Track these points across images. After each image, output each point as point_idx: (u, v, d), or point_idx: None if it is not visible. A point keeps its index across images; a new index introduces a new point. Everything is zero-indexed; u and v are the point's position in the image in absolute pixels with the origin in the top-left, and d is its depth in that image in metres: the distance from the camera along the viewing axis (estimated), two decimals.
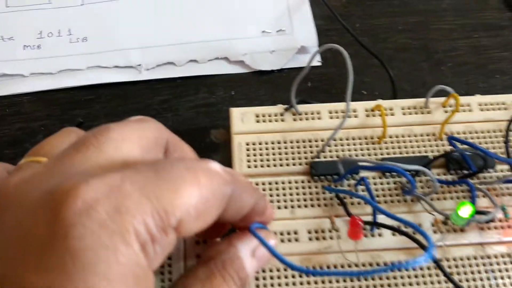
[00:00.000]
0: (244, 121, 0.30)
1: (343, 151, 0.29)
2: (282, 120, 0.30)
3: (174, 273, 0.25)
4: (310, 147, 0.29)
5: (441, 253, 0.26)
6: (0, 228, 0.16)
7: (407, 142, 0.30)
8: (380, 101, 0.31)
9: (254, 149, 0.29)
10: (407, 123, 0.30)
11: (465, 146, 0.28)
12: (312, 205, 0.28)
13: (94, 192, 0.16)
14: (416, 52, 0.37)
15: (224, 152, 0.30)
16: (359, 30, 0.38)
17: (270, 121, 0.30)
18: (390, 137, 0.30)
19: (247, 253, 0.22)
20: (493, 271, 0.26)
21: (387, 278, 0.26)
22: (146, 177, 0.17)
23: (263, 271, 0.26)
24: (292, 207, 0.28)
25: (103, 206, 0.15)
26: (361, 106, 0.31)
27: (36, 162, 0.20)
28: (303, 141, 0.30)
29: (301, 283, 0.25)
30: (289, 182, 0.28)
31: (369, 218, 0.26)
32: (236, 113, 0.30)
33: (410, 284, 0.26)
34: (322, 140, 0.30)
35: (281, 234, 0.27)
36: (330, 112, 0.31)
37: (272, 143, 0.29)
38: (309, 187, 0.28)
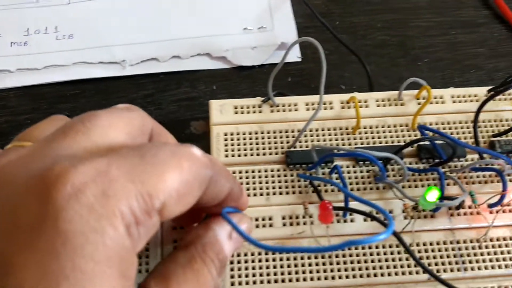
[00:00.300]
0: (222, 112, 0.31)
1: (318, 141, 0.30)
2: (260, 112, 0.31)
3: (151, 257, 0.26)
4: (287, 137, 0.30)
5: (411, 238, 0.27)
6: None
7: (380, 133, 0.31)
8: (355, 94, 0.32)
9: (232, 139, 0.30)
10: (381, 114, 0.31)
11: (436, 135, 0.29)
12: (287, 193, 0.28)
13: (82, 176, 0.16)
14: (394, 49, 0.38)
15: (203, 142, 0.31)
16: (339, 28, 0.39)
17: (248, 112, 0.31)
18: (364, 128, 0.31)
19: (225, 236, 0.22)
20: (462, 255, 0.27)
21: (358, 262, 0.26)
22: (132, 162, 0.17)
23: (238, 255, 0.26)
24: (268, 194, 0.28)
25: (91, 190, 0.16)
26: (336, 98, 0.32)
27: (22, 146, 0.21)
28: (280, 132, 0.30)
29: (275, 267, 0.26)
30: (265, 171, 0.29)
31: (342, 205, 0.27)
32: (215, 105, 0.31)
33: (381, 267, 0.26)
34: (298, 131, 0.30)
35: (256, 220, 0.28)
36: (307, 104, 0.31)
37: (250, 133, 0.30)
38: (285, 175, 0.29)
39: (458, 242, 0.27)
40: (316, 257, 0.26)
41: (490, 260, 0.27)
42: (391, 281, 0.26)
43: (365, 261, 0.26)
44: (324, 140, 0.30)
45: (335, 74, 0.37)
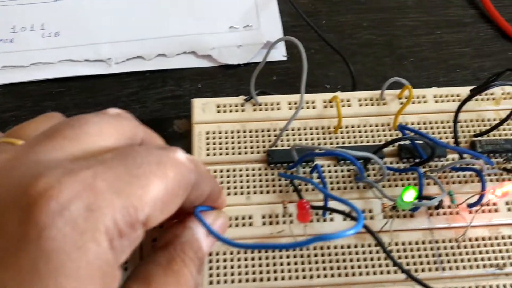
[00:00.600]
0: (205, 111, 0.31)
1: (300, 140, 0.30)
2: (242, 111, 0.31)
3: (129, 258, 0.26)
4: (269, 136, 0.30)
5: (390, 237, 0.27)
6: None
7: (362, 132, 0.31)
8: (337, 93, 0.32)
9: (214, 138, 0.30)
10: (363, 114, 0.31)
11: (416, 135, 0.29)
12: (268, 192, 0.29)
13: (67, 192, 0.16)
14: (380, 48, 0.38)
15: (185, 141, 0.31)
16: (325, 27, 0.39)
17: (230, 111, 0.31)
18: (346, 127, 0.31)
19: (203, 234, 0.22)
20: (440, 255, 0.27)
21: (337, 261, 0.27)
22: (117, 173, 0.17)
23: (217, 254, 0.26)
24: (248, 193, 0.28)
25: (75, 205, 0.16)
26: (319, 97, 0.32)
27: (12, 143, 0.21)
28: (262, 131, 0.30)
29: (253, 265, 0.26)
30: (247, 170, 0.29)
31: (322, 204, 0.27)
32: (197, 103, 0.31)
33: (359, 267, 0.26)
34: (280, 130, 0.30)
35: (236, 219, 0.28)
36: (289, 103, 0.31)
37: (232, 132, 0.30)
38: (266, 174, 0.29)
39: (437, 242, 0.27)
40: (294, 256, 0.27)
41: (469, 260, 0.27)
42: (369, 280, 0.26)
43: (343, 260, 0.27)
44: (306, 139, 0.30)
45: (320, 73, 0.37)
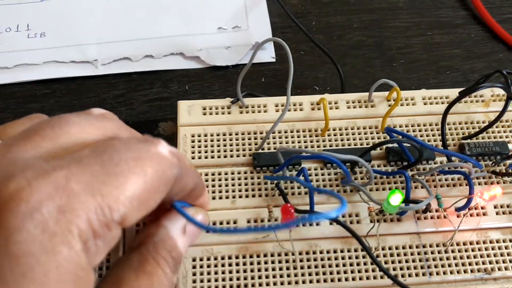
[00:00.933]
0: (191, 113, 0.31)
1: (287, 143, 0.30)
2: (229, 113, 0.31)
3: (112, 258, 0.26)
4: (255, 139, 0.30)
5: (376, 241, 0.27)
6: None
7: (349, 135, 0.30)
8: (325, 95, 0.32)
9: (199, 141, 0.30)
10: (351, 116, 0.31)
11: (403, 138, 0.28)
12: (253, 195, 0.28)
13: (39, 194, 0.15)
14: (370, 49, 0.38)
15: (170, 144, 0.30)
16: (315, 28, 0.39)
17: (216, 113, 0.31)
18: (334, 129, 0.30)
19: (178, 232, 0.21)
20: (427, 260, 0.26)
21: (323, 266, 0.26)
22: (92, 172, 0.16)
23: (201, 259, 0.26)
24: (234, 197, 0.28)
25: (46, 207, 0.15)
26: (306, 99, 0.31)
27: None
28: (248, 133, 0.30)
29: (238, 271, 0.26)
30: (232, 173, 0.29)
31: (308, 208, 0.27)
32: (183, 105, 0.31)
33: (345, 272, 0.26)
34: (267, 132, 0.30)
35: (221, 223, 0.27)
36: (276, 105, 0.31)
37: (218, 135, 0.30)
38: (252, 178, 0.29)
39: (424, 246, 0.27)
40: (280, 262, 0.26)
41: (456, 265, 0.26)
42: (356, 285, 0.26)
43: (330, 266, 0.26)
44: (293, 142, 0.30)
45: (309, 74, 0.37)
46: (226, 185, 0.28)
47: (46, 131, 0.18)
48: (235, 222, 0.27)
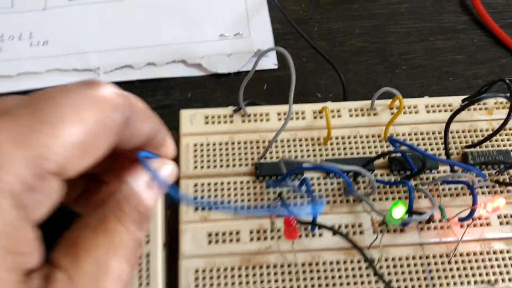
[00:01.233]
0: (193, 122, 0.30)
1: (289, 152, 0.30)
2: (231, 122, 0.31)
3: None
4: (258, 148, 0.30)
5: (379, 253, 0.27)
6: None
7: (352, 143, 0.30)
8: (327, 103, 0.31)
9: (202, 150, 0.30)
10: (353, 124, 0.31)
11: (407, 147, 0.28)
12: (256, 206, 0.28)
13: None
14: (372, 55, 0.38)
15: (176, 149, 0.30)
16: (317, 34, 0.39)
17: (219, 122, 0.31)
18: (336, 138, 0.30)
19: (143, 186, 0.20)
20: (431, 271, 0.26)
21: (326, 278, 0.26)
22: (22, 124, 0.16)
23: (203, 271, 0.26)
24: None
25: None
26: (309, 108, 0.31)
27: None
28: (251, 142, 0.30)
29: (240, 283, 0.26)
30: (235, 183, 0.29)
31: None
32: (185, 114, 0.31)
33: (348, 284, 0.26)
34: (269, 141, 0.30)
35: (223, 234, 0.27)
36: (279, 114, 0.31)
37: (220, 144, 0.30)
38: (254, 187, 0.29)
39: (427, 257, 0.27)
40: (282, 273, 0.26)
41: (460, 276, 0.26)
42: None
43: (332, 277, 0.26)
44: (295, 151, 0.30)
45: (311, 81, 0.37)
46: (229, 195, 0.28)
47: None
48: (237, 233, 0.27)
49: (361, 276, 0.26)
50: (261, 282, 0.26)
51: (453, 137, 0.30)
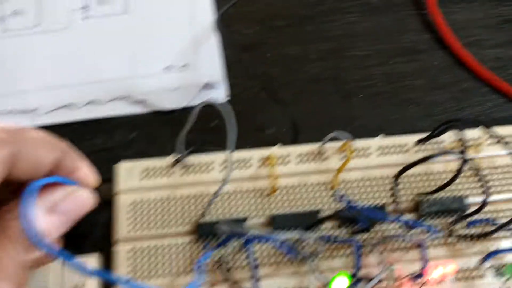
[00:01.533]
0: (130, 177, 0.29)
1: (234, 205, 0.28)
2: (171, 174, 0.29)
3: None
4: (200, 202, 0.28)
5: None
6: None
7: (302, 193, 0.28)
8: (275, 148, 0.30)
9: (139, 209, 0.28)
10: (302, 171, 0.29)
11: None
12: None
13: None
14: (327, 83, 0.36)
15: (108, 212, 0.29)
16: (270, 61, 0.37)
17: (158, 175, 0.29)
18: (285, 187, 0.29)
19: (42, 210, 0.20)
20: None
21: None
22: None
23: None
24: (176, 273, 0.26)
25: None
26: (256, 154, 0.29)
27: None
28: (193, 197, 0.28)
29: None
30: (175, 245, 0.27)
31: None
32: (121, 169, 0.29)
33: None
34: (212, 195, 0.28)
35: None
36: (224, 162, 0.29)
37: (158, 201, 0.28)
38: (196, 248, 0.27)
39: None
40: None
41: None
42: None
43: None
44: (240, 205, 0.28)
45: (262, 116, 0.35)
46: (169, 260, 0.27)
47: None
48: None
49: None
50: None
51: (406, 182, 0.29)
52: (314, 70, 0.36)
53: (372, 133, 0.31)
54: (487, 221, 0.28)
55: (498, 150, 0.30)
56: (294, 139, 0.32)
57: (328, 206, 0.28)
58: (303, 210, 0.28)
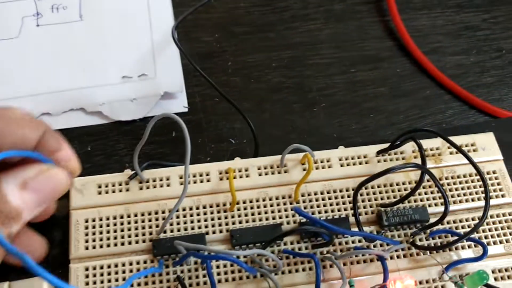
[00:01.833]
0: (84, 193, 0.27)
1: (192, 222, 0.27)
2: (127, 190, 0.28)
3: None
4: (156, 219, 0.27)
5: None
6: None
7: (261, 207, 0.28)
8: (235, 161, 0.29)
9: (94, 227, 0.27)
10: (262, 184, 0.28)
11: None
12: None
13: None
14: (290, 92, 0.35)
15: (65, 227, 0.27)
16: (231, 69, 0.36)
17: (113, 191, 0.28)
18: (244, 202, 0.28)
19: (13, 185, 0.20)
20: None
21: None
22: None
23: None
24: None
25: None
26: (214, 168, 0.29)
27: None
28: (149, 213, 0.27)
29: None
30: (130, 264, 0.26)
31: None
32: (75, 185, 0.28)
33: None
34: (169, 211, 0.27)
35: None
36: (181, 177, 0.28)
37: (114, 218, 0.27)
38: (152, 267, 0.26)
39: None
40: None
41: None
42: None
43: None
44: (198, 221, 0.27)
45: (224, 125, 0.34)
46: (124, 279, 0.26)
47: None
48: None
49: None
50: None
51: (367, 194, 0.28)
52: (277, 78, 0.36)
53: (334, 143, 0.30)
54: (448, 232, 0.27)
55: (459, 160, 0.29)
56: (255, 151, 0.31)
57: (289, 220, 0.27)
58: (264, 224, 0.27)
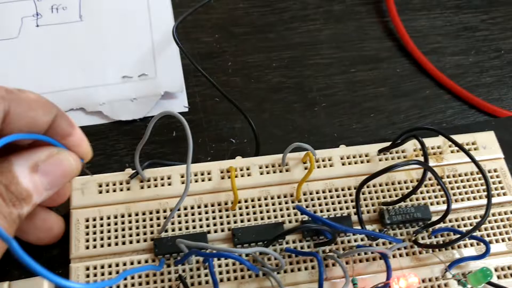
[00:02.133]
0: (85, 192, 0.27)
1: (193, 221, 0.27)
2: (128, 189, 0.28)
3: None
4: (157, 219, 0.27)
5: None
6: None
7: (263, 206, 0.28)
8: (236, 159, 0.29)
9: (94, 226, 0.26)
10: (264, 183, 0.28)
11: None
12: None
13: None
14: (290, 92, 0.35)
15: (65, 226, 0.27)
16: (232, 69, 0.36)
17: (114, 190, 0.27)
18: (246, 201, 0.28)
19: (25, 167, 0.20)
20: None
21: None
22: None
23: None
24: None
25: None
26: (215, 167, 0.29)
27: None
28: (150, 213, 0.27)
29: None
30: (131, 263, 0.26)
31: None
32: (76, 184, 0.27)
33: None
34: (171, 210, 0.27)
35: None
36: (182, 176, 0.28)
37: (115, 217, 0.27)
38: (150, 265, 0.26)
39: None
40: None
41: None
42: None
43: None
44: (200, 220, 0.27)
45: (225, 125, 0.34)
46: (125, 279, 0.25)
47: None
48: None
49: None
50: None
51: (369, 192, 0.28)
52: (277, 78, 0.36)
53: (335, 142, 0.30)
54: (450, 230, 0.27)
55: (460, 158, 0.29)
56: (256, 150, 0.31)
57: (291, 218, 0.27)
58: (266, 223, 0.27)
